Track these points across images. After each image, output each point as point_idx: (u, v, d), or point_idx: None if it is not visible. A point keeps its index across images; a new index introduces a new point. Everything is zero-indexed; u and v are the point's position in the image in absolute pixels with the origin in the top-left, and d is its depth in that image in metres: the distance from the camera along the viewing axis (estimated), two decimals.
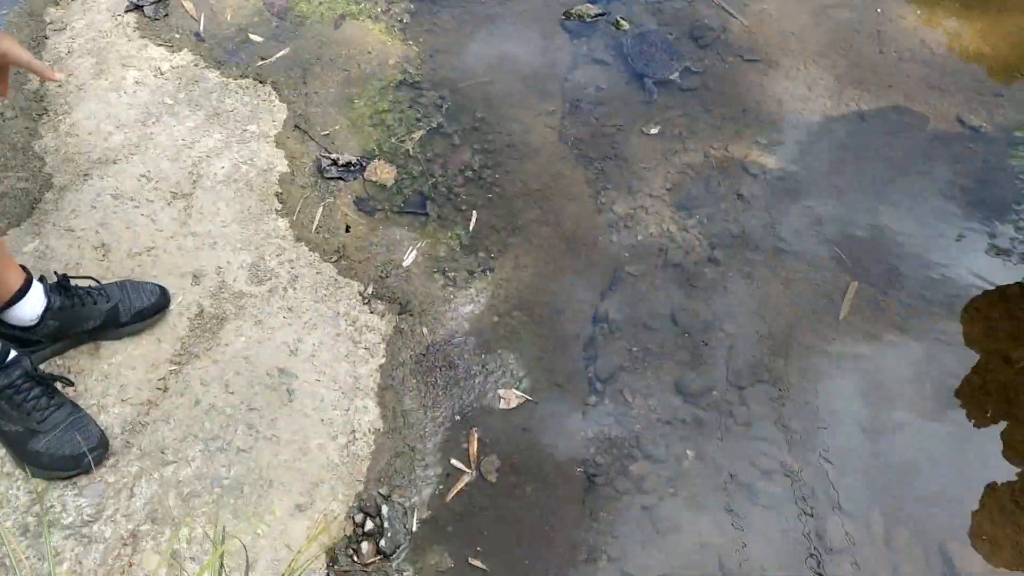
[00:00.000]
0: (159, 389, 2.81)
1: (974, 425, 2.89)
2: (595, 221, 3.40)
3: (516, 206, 3.42)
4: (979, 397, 2.94)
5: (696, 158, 3.59)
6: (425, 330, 3.06)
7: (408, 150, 3.55)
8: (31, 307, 2.64)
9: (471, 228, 3.35)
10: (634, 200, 3.46)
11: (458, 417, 2.88)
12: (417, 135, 3.60)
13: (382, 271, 3.20)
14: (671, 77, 3.81)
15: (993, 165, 3.54)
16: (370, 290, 3.14)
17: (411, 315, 3.09)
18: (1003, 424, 2.90)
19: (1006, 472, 2.82)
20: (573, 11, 4.13)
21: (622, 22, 4.10)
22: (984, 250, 3.28)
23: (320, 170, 3.44)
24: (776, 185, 3.50)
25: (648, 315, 3.14)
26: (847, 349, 3.05)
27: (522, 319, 3.12)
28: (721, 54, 4.00)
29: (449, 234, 3.33)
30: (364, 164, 3.49)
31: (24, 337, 2.68)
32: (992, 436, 2.89)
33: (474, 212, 3.40)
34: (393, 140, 3.58)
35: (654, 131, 3.68)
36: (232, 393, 2.81)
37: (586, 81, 3.87)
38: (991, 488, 2.75)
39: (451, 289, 3.18)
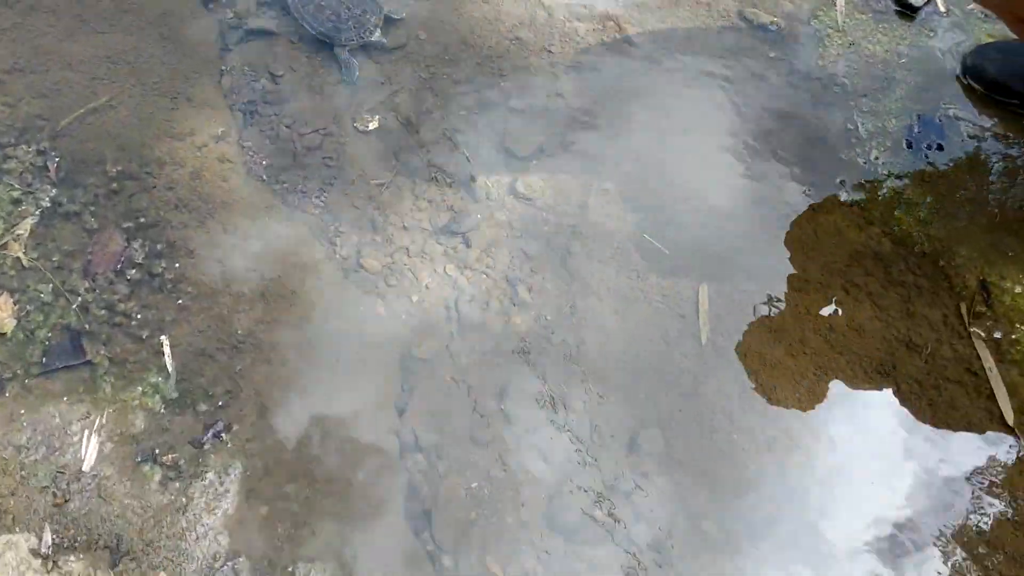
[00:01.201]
0: None
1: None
2: (346, 293, 2.34)
3: (225, 305, 2.26)
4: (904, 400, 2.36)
5: (442, 153, 2.57)
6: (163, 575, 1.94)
7: (19, 259, 2.21)
8: None
9: (169, 367, 2.16)
10: (387, 242, 2.42)
11: None
12: (24, 228, 2.25)
13: (54, 494, 1.97)
14: (371, 39, 2.67)
15: (802, 73, 2.82)
16: (48, 539, 1.92)
17: (132, 558, 1.94)
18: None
19: None
20: None
21: None
22: (833, 203, 2.61)
23: None
24: (551, 165, 2.60)
25: (468, 418, 2.22)
26: (717, 391, 2.36)
27: (303, 494, 2.07)
28: None
29: (140, 388, 2.12)
30: None
31: None
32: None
33: (164, 338, 2.19)
34: None
35: (372, 125, 2.58)
36: None
37: (252, 70, 2.62)
38: None
39: (177, 485, 2.03)
